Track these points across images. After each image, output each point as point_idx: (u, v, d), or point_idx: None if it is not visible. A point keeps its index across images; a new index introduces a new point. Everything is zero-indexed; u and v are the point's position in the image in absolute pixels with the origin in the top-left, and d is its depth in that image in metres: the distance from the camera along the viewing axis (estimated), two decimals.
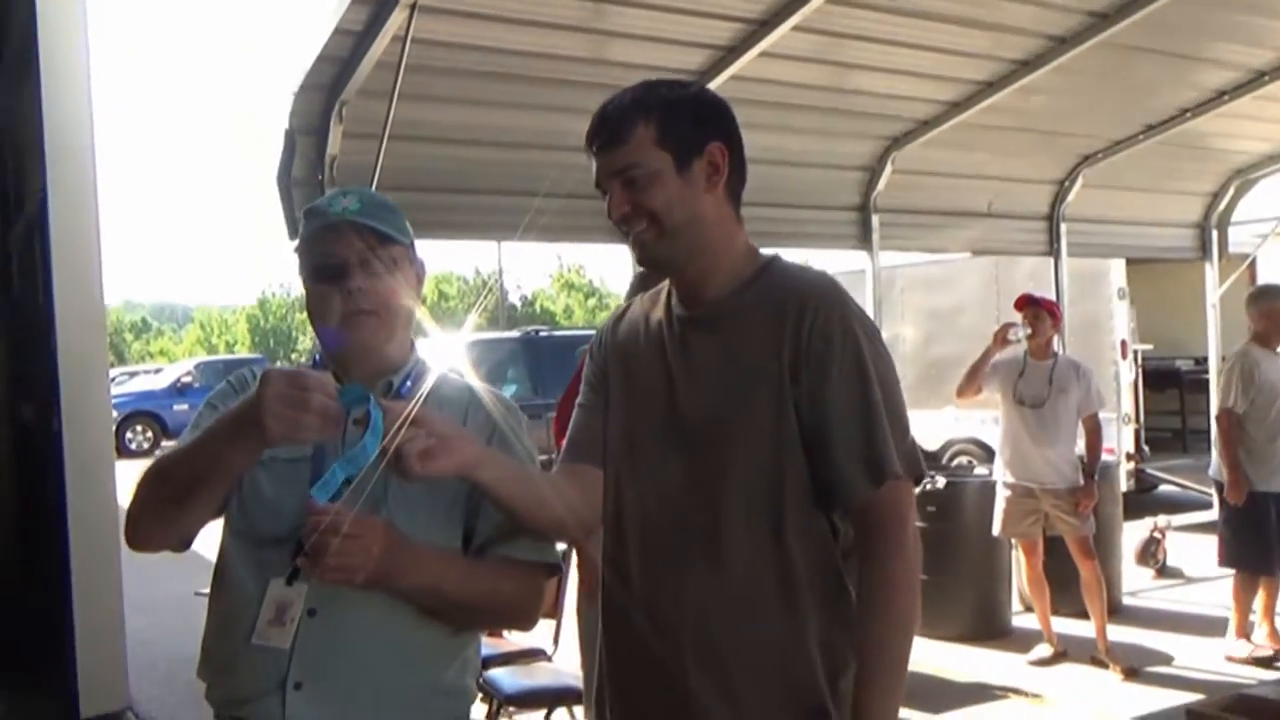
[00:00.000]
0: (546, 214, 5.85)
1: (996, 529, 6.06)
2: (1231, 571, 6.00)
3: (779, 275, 1.80)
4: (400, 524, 1.77)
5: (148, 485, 1.79)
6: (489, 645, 5.12)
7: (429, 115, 5.46)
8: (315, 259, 1.87)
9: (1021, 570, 6.27)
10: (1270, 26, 6.48)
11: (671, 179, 1.74)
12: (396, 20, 4.61)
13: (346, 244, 1.83)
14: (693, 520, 1.76)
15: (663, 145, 1.74)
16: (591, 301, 42.72)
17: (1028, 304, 6.01)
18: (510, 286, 41.88)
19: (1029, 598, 6.33)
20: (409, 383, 1.90)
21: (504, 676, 4.51)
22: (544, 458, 5.48)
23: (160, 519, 1.80)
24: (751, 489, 1.73)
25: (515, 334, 14.02)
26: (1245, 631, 5.94)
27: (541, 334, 13.63)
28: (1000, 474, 6.07)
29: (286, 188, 5.35)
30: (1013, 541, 6.30)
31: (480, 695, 5.35)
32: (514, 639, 5.38)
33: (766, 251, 1.86)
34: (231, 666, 1.80)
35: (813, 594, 1.73)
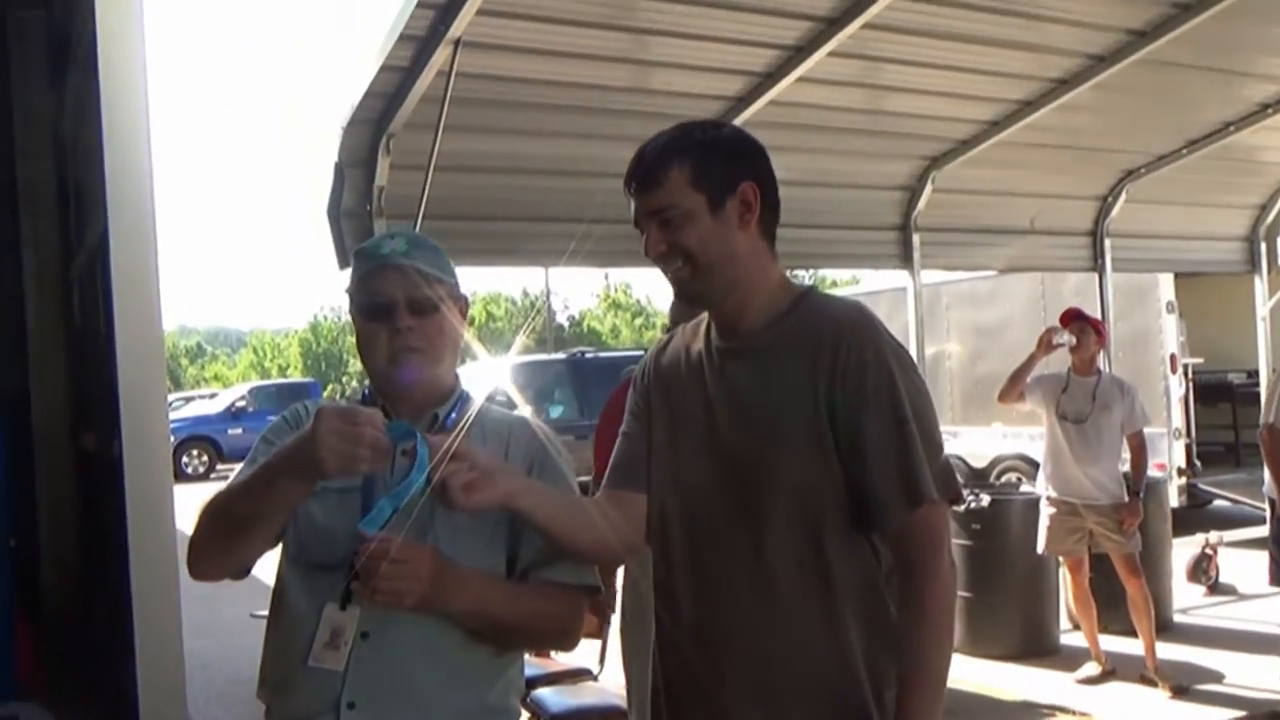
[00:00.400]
0: (591, 239, 5.96)
1: (1041, 546, 6.05)
2: None
3: (813, 307, 1.86)
4: (446, 550, 1.85)
5: (208, 518, 1.87)
6: (536, 665, 5.20)
7: (474, 146, 5.59)
8: (365, 298, 1.96)
9: (1068, 588, 6.25)
10: None
11: (705, 219, 1.81)
12: (441, 56, 4.75)
13: (394, 284, 1.92)
14: (737, 544, 1.82)
15: (696, 187, 1.81)
16: (639, 321, 42.80)
17: (1074, 319, 6.02)
18: (558, 307, 42.13)
19: (1076, 615, 6.30)
20: (454, 414, 1.98)
21: (550, 696, 4.59)
22: (584, 479, 5.54)
23: (221, 550, 1.90)
24: (792, 514, 1.79)
25: (562, 356, 14.16)
26: None
27: (588, 355, 13.77)
28: (1044, 490, 6.07)
29: (336, 218, 5.50)
30: (1059, 559, 6.28)
31: (527, 715, 5.45)
32: (560, 659, 5.46)
33: (800, 283, 1.93)
34: (289, 687, 1.89)
35: (856, 614, 1.79)
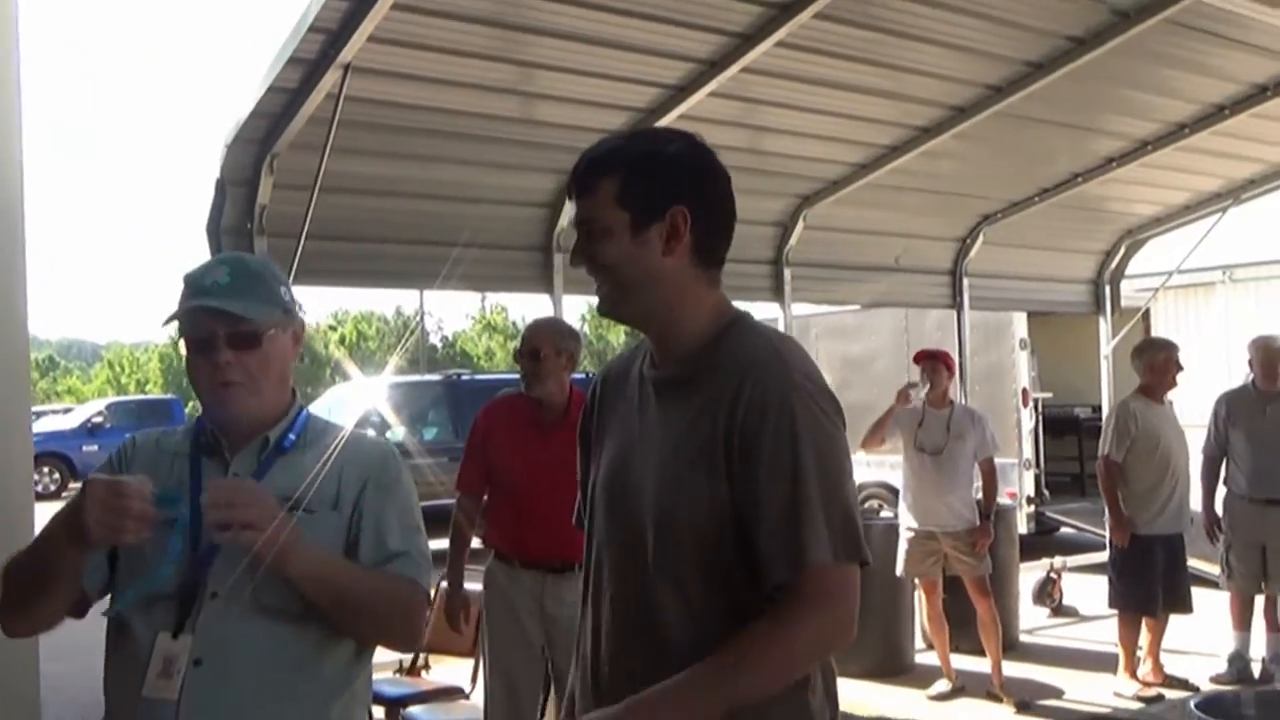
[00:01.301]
0: (465, 262, 6.07)
1: (900, 570, 6.35)
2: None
3: (734, 340, 1.76)
4: None
5: (7, 579, 1.90)
6: (407, 684, 5.24)
7: (359, 168, 5.64)
8: (186, 330, 1.95)
9: (923, 609, 6.56)
10: (1153, 101, 6.97)
11: (624, 238, 1.73)
12: (330, 79, 4.80)
13: (214, 319, 1.91)
14: (629, 589, 1.76)
15: (622, 203, 1.72)
16: (513, 344, 42.65)
17: (926, 358, 6.36)
18: (431, 328, 41.71)
19: (930, 635, 6.62)
20: (292, 435, 2.00)
21: (423, 714, 4.64)
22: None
23: (24, 612, 1.93)
24: (680, 564, 1.71)
25: (438, 377, 14.13)
26: (1133, 669, 6.29)
27: (464, 377, 13.76)
28: (903, 518, 6.37)
29: (216, 234, 5.47)
30: (915, 581, 6.60)
31: None
32: (433, 678, 5.51)
33: (734, 311, 1.82)
34: (124, 717, 1.91)
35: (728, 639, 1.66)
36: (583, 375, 14.92)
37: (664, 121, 5.87)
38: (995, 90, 6.33)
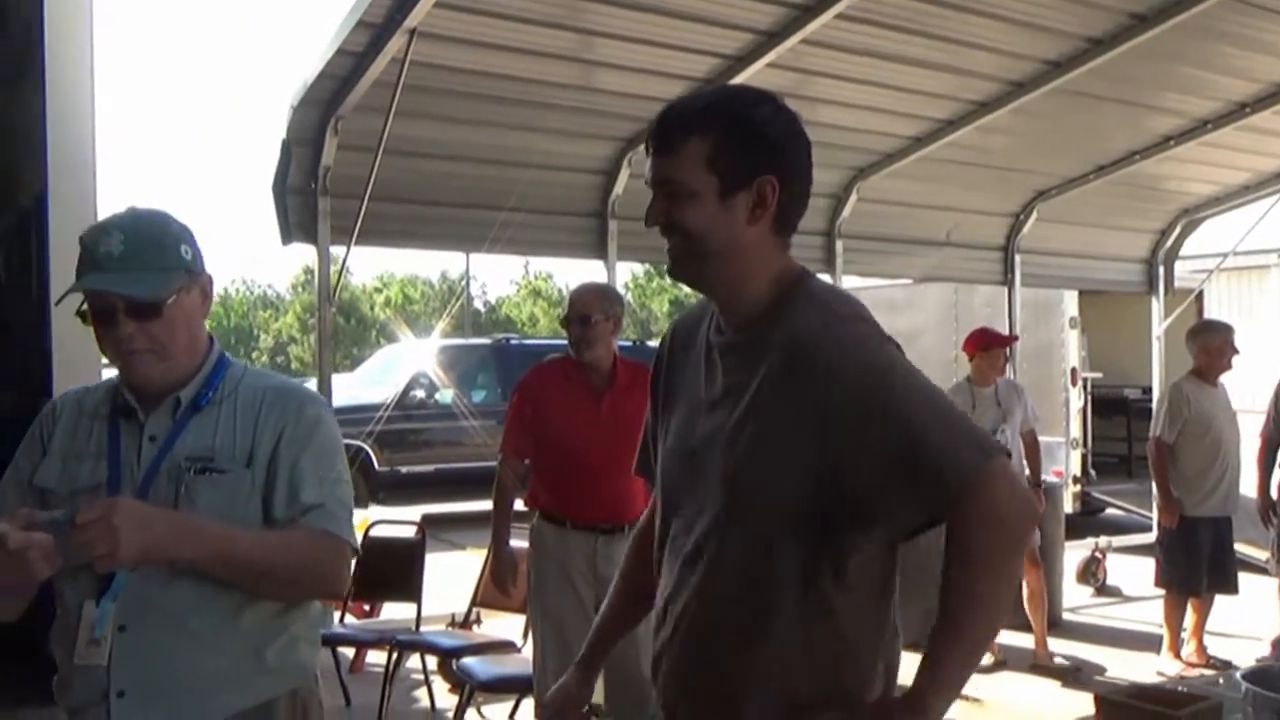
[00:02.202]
0: (522, 227, 6.16)
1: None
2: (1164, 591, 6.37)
3: (794, 306, 1.71)
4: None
5: None
6: (462, 637, 5.39)
7: (421, 132, 5.73)
8: (87, 300, 1.92)
9: None
10: (1214, 80, 6.89)
11: (711, 204, 1.67)
12: (396, 44, 4.89)
13: (113, 288, 1.87)
14: (687, 541, 1.78)
15: (712, 168, 1.66)
16: (556, 310, 42.81)
17: (987, 340, 6.33)
18: (475, 292, 41.97)
19: None
20: (208, 393, 1.98)
21: (477, 665, 4.77)
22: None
23: None
24: (734, 514, 1.71)
25: (487, 341, 14.28)
26: (1177, 649, 6.30)
27: (512, 342, 13.90)
28: None
29: (282, 195, 5.61)
30: None
31: (452, 684, 5.63)
32: (485, 631, 5.66)
33: (799, 270, 1.77)
34: (66, 682, 1.97)
35: (785, 611, 1.68)
36: (627, 343, 14.98)
37: None
38: (1054, 66, 6.30)
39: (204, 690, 1.91)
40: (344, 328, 36.10)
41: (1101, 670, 6.45)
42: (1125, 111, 7.19)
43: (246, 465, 1.94)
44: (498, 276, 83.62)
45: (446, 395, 12.21)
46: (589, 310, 4.09)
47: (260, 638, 1.96)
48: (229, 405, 1.99)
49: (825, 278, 7.57)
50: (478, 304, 42.21)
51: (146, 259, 1.90)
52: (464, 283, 35.30)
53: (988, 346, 6.29)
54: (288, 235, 5.61)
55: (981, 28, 5.85)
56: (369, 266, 47.86)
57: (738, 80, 5.82)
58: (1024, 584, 6.30)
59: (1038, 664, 6.30)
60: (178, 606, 1.89)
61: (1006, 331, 7.63)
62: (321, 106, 5.43)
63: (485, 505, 13.91)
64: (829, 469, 1.63)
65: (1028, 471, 6.37)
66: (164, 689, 1.89)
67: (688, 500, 1.79)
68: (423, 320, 38.08)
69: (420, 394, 12.11)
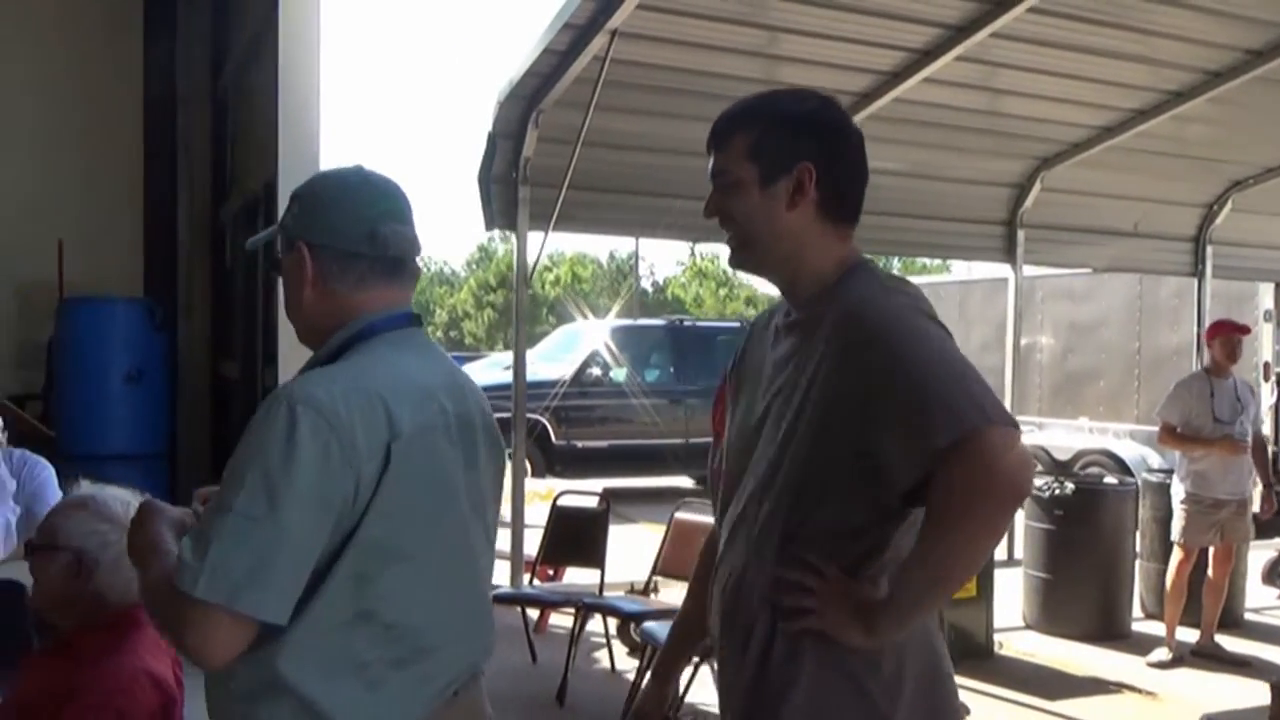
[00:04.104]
0: (689, 214, 6.40)
1: (1179, 537, 6.35)
2: None
3: (847, 283, 1.80)
4: None
5: None
6: (642, 603, 5.70)
7: (616, 125, 6.03)
8: None
9: (1171, 575, 6.50)
10: None
11: (753, 191, 1.79)
12: (599, 43, 5.19)
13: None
14: (744, 510, 1.88)
15: (752, 158, 1.78)
16: (723, 291, 43.00)
17: (1230, 329, 6.30)
18: (643, 273, 42.54)
19: (1169, 600, 6.57)
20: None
21: (659, 629, 5.04)
22: (679, 441, 5.80)
23: None
24: (779, 485, 1.80)
25: (661, 322, 14.62)
26: None
27: (685, 323, 14.20)
28: (1189, 486, 6.31)
29: (486, 183, 6.01)
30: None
31: (631, 647, 5.96)
32: (663, 599, 5.95)
33: (860, 257, 1.85)
34: None
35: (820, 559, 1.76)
36: (736, 324, 14.94)
37: (908, 84, 6.01)
38: (1255, 54, 6.16)
39: None
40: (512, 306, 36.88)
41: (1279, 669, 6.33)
42: None
43: None
44: (664, 258, 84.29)
45: (621, 374, 12.59)
46: None
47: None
48: None
49: (1004, 266, 7.70)
50: (645, 284, 42.79)
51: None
52: (633, 263, 35.80)
53: (1226, 335, 6.27)
54: (491, 221, 6.02)
55: (1175, 17, 5.79)
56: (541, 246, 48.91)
57: (925, 73, 5.94)
58: (1209, 573, 6.28)
59: (1200, 650, 6.28)
60: None
61: (1194, 325, 7.52)
62: (523, 101, 5.78)
63: (656, 481, 14.19)
64: (850, 421, 1.70)
65: (1256, 472, 6.34)
66: None
67: (746, 471, 1.88)
68: (591, 298, 38.82)
69: (596, 371, 12.52)
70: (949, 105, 6.49)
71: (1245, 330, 6.39)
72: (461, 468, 1.76)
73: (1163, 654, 6.39)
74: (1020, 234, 7.47)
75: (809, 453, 1.76)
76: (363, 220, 1.74)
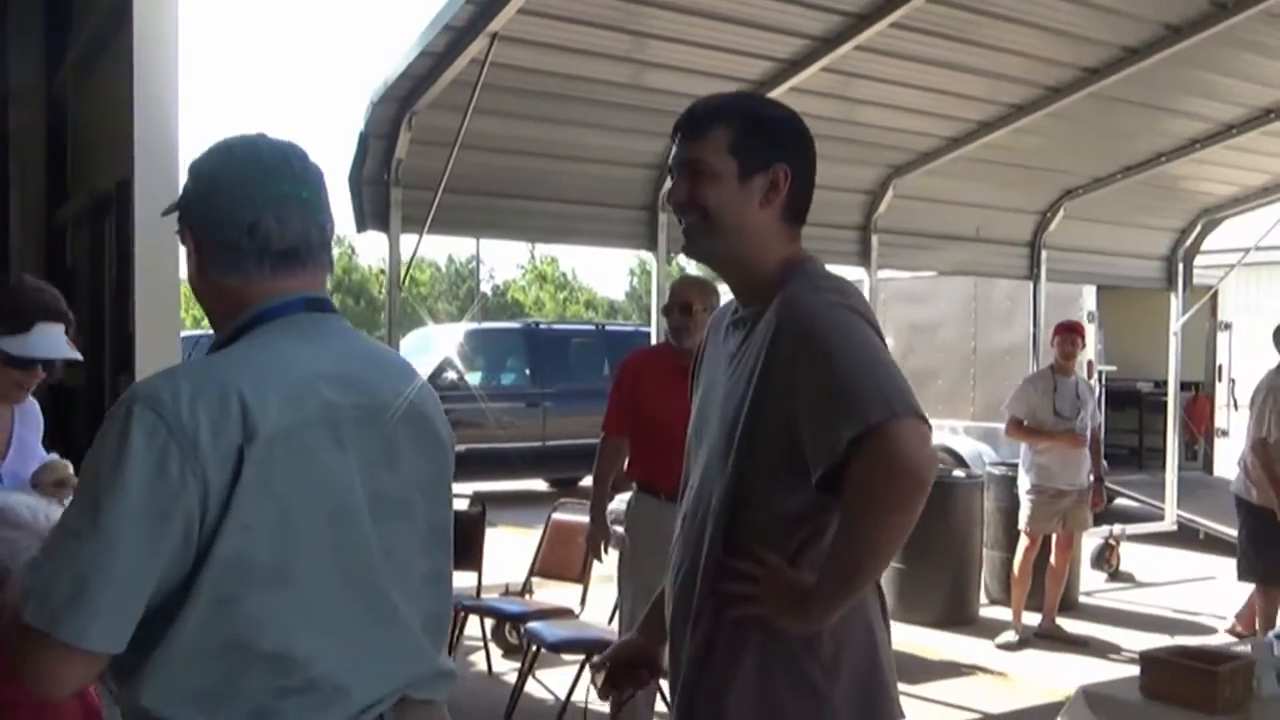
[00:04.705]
0: (570, 219, 6.47)
1: (1025, 525, 6.79)
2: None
3: (782, 289, 1.89)
4: None
5: None
6: (522, 604, 5.73)
7: (488, 128, 6.00)
8: None
9: (1017, 562, 6.87)
10: (1240, 86, 7.19)
11: (731, 184, 1.88)
12: (478, 46, 5.19)
13: None
14: (696, 498, 2.00)
15: (733, 152, 1.87)
16: (563, 294, 43.00)
17: (1067, 330, 6.78)
18: (483, 276, 42.22)
19: (1015, 585, 6.94)
20: None
21: (544, 628, 5.09)
22: (536, 444, 5.89)
23: None
24: (719, 490, 1.91)
25: (517, 325, 14.59)
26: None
27: (541, 326, 14.21)
28: (1032, 478, 6.75)
29: (357, 184, 5.92)
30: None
31: (506, 649, 5.97)
32: (542, 599, 5.97)
33: (806, 257, 1.96)
34: None
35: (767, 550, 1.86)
36: (631, 327, 15.03)
37: (775, 93, 6.20)
38: (1091, 72, 6.60)
39: None
40: (353, 309, 36.24)
41: (1117, 649, 6.79)
42: (1154, 115, 7.50)
43: None
44: (504, 260, 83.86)
45: (476, 378, 12.52)
46: (692, 300, 4.35)
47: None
48: None
49: (860, 270, 8.00)
50: (485, 287, 42.44)
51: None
52: (473, 265, 35.46)
53: (1062, 334, 6.74)
54: (362, 223, 5.93)
55: (1022, 35, 6.15)
56: (377, 249, 47.99)
57: (791, 83, 6.14)
58: (1051, 560, 6.71)
59: (1043, 632, 6.72)
60: None
61: (1031, 326, 8.04)
62: (397, 103, 5.72)
63: (515, 485, 14.07)
64: (782, 413, 1.80)
65: (1090, 466, 6.77)
66: None
67: (699, 459, 2.00)
68: (429, 302, 38.25)
69: (451, 376, 12.41)
70: (811, 114, 6.62)
71: (1079, 330, 6.84)
72: (358, 469, 1.54)
73: (1010, 636, 6.78)
74: (874, 239, 7.78)
75: (749, 446, 1.86)
76: (244, 210, 1.57)
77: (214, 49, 63.28)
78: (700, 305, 4.33)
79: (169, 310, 6.14)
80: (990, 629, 7.02)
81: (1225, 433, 11.65)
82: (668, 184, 6.69)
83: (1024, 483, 6.82)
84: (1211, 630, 7.15)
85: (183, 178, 1.66)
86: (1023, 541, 6.86)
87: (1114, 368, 11.25)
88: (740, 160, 1.87)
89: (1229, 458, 12.04)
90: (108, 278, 6.75)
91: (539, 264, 44.12)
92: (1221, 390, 11.83)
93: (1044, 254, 8.74)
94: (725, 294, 2.24)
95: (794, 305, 1.84)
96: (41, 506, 2.18)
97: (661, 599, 2.16)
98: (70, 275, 7.86)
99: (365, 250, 45.16)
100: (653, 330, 7.03)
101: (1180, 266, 9.65)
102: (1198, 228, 9.53)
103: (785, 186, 1.90)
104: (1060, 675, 6.15)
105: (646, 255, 7.15)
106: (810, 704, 1.84)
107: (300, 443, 1.47)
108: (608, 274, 79.30)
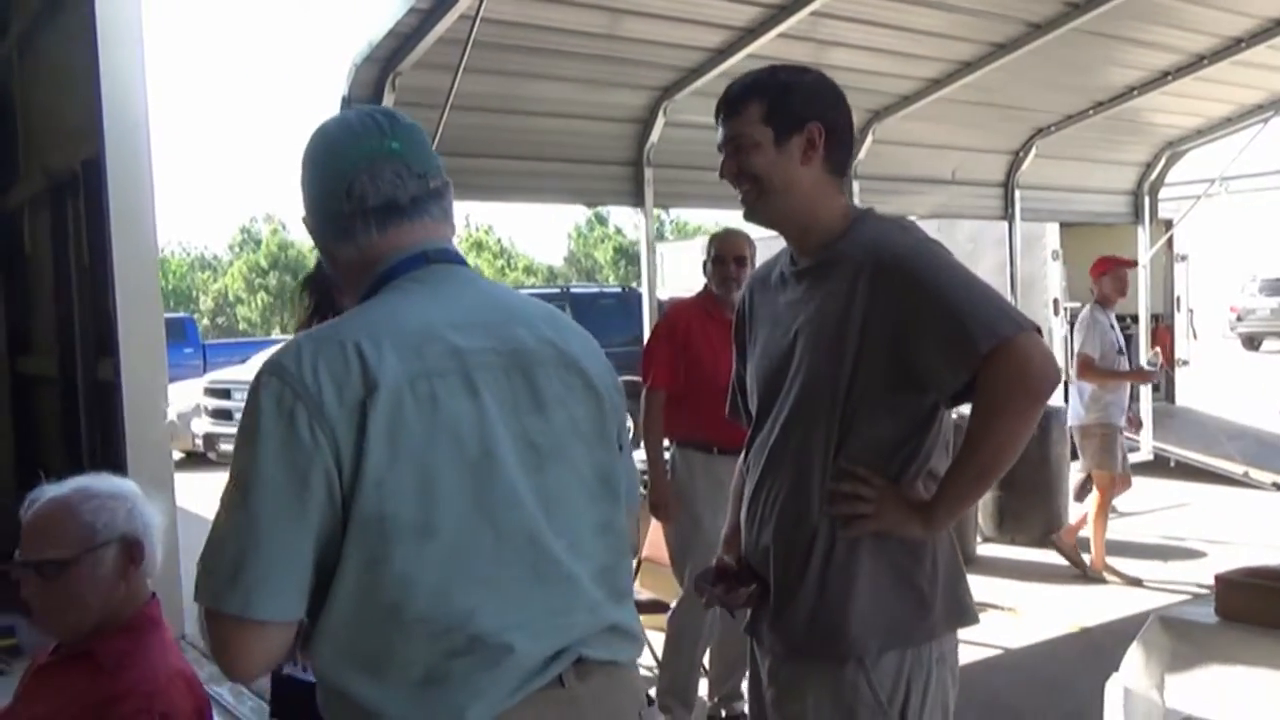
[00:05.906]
0: (555, 177, 6.33)
1: (1096, 466, 6.64)
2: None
3: (858, 232, 2.06)
4: None
5: None
6: None
7: (470, 87, 5.82)
8: None
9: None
10: (1208, 14, 7.19)
11: (769, 149, 2.05)
12: (467, 2, 5.01)
13: None
14: (769, 439, 2.13)
15: (767, 121, 2.05)
16: (500, 262, 42.62)
17: (1119, 264, 6.67)
18: None
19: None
20: None
21: None
22: None
23: None
24: (797, 409, 2.07)
25: None
26: None
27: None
28: (1105, 416, 6.58)
29: None
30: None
31: None
32: None
33: (861, 208, 2.17)
34: None
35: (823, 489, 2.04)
36: (618, 289, 14.90)
37: (762, 40, 6.10)
38: (1074, 6, 6.56)
39: None
40: (290, 286, 35.52)
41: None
42: (1125, 47, 7.49)
43: None
44: None
45: None
46: (745, 251, 4.28)
47: None
48: None
49: None
50: None
51: None
52: None
53: (1114, 269, 6.59)
54: None
55: None
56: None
57: (780, 29, 6.04)
58: (1098, 496, 6.64)
59: (1057, 542, 6.87)
60: None
61: (1008, 266, 8.05)
62: (381, 64, 5.52)
63: None
64: (890, 342, 1.97)
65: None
66: None
67: (774, 400, 2.12)
68: None
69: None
70: (791, 59, 6.59)
71: (1132, 263, 6.75)
72: (499, 415, 1.50)
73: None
74: (855, 185, 7.73)
75: (850, 377, 2.00)
76: (339, 177, 1.59)
77: (179, 16, 61.21)
78: (750, 255, 4.26)
79: (148, 288, 5.95)
80: (990, 567, 7.06)
81: (1186, 362, 11.88)
82: (651, 138, 6.59)
83: (1089, 423, 6.62)
84: (1202, 554, 7.27)
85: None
86: (1099, 481, 6.65)
87: (1079, 304, 11.38)
88: (774, 127, 2.04)
89: (1190, 387, 12.32)
90: (75, 262, 6.51)
91: (474, 232, 43.66)
92: (1180, 320, 12.06)
93: (1017, 194, 8.76)
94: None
95: (889, 247, 2.00)
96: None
97: (729, 541, 2.30)
98: (29, 262, 7.58)
99: (298, 225, 44.33)
100: (644, 290, 6.93)
101: (1146, 200, 9.74)
102: (1162, 161, 9.62)
103: (821, 142, 2.05)
104: (1068, 609, 6.21)
105: (579, 216, 7.01)
106: (919, 611, 2.04)
107: (425, 392, 1.45)
108: (544, 240, 78.57)
